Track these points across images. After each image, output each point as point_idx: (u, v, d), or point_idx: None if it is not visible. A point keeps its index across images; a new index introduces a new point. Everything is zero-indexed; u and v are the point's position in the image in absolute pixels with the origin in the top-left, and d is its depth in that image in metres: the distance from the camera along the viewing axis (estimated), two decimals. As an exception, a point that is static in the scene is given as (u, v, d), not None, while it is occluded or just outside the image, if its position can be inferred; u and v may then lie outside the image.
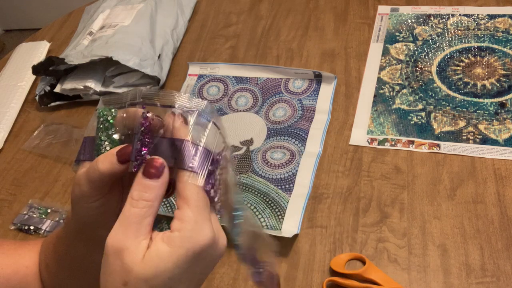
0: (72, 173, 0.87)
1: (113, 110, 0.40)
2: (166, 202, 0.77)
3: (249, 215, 0.42)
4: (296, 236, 0.70)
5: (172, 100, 0.38)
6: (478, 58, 0.90)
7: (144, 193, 0.35)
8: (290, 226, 0.70)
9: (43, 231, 0.77)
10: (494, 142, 0.76)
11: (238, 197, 0.40)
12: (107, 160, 0.38)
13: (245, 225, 0.41)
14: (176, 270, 0.33)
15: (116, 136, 0.40)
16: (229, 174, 0.40)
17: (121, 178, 0.43)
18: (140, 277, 0.33)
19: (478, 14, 0.99)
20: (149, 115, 0.38)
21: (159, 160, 0.36)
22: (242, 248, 0.40)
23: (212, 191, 0.37)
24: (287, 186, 0.76)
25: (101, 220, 0.43)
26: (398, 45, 0.97)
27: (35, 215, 0.79)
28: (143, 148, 0.37)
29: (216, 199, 0.38)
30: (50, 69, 0.99)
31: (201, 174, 0.36)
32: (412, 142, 0.79)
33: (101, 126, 0.40)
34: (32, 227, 0.78)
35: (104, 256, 0.35)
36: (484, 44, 0.93)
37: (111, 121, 0.40)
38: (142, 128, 0.37)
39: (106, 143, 0.40)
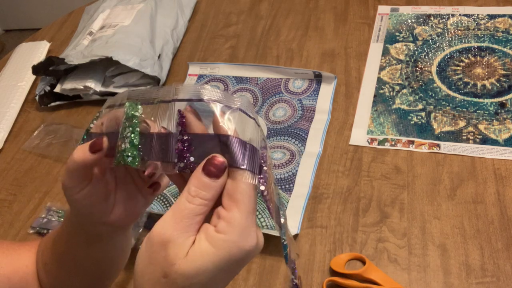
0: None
1: (139, 106, 0.39)
2: (162, 199, 0.78)
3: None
4: (296, 236, 0.70)
5: (208, 96, 0.36)
6: (478, 58, 0.90)
7: (202, 191, 0.34)
8: (290, 226, 0.70)
9: None
10: (494, 142, 0.76)
11: (279, 195, 0.39)
12: (81, 150, 0.40)
13: (286, 224, 0.40)
14: (217, 272, 0.33)
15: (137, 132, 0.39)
16: (271, 172, 0.38)
17: (105, 171, 0.44)
18: (181, 272, 0.33)
19: (478, 14, 0.99)
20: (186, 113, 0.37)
21: (220, 159, 0.35)
22: (288, 248, 0.40)
23: (266, 191, 0.36)
24: (287, 186, 0.76)
25: (94, 214, 0.44)
26: (398, 45, 0.97)
27: (53, 218, 0.78)
28: (184, 149, 0.36)
29: (267, 198, 0.36)
30: (50, 69, 0.99)
31: (255, 173, 0.35)
32: (412, 142, 0.79)
33: (126, 123, 0.39)
34: (51, 231, 0.78)
35: (147, 244, 0.34)
36: (484, 44, 0.93)
37: (137, 116, 0.39)
38: (180, 128, 0.36)
39: (132, 136, 0.39)
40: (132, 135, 0.38)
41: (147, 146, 0.38)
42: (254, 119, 0.37)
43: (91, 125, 0.44)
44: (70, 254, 0.50)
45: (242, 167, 0.34)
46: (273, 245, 0.70)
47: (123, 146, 0.38)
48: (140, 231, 0.72)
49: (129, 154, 0.37)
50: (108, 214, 0.45)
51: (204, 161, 0.35)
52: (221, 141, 0.35)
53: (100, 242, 0.48)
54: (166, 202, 0.77)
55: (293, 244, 0.40)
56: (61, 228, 0.50)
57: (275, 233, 0.70)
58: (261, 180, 0.35)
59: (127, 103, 0.39)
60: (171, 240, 0.33)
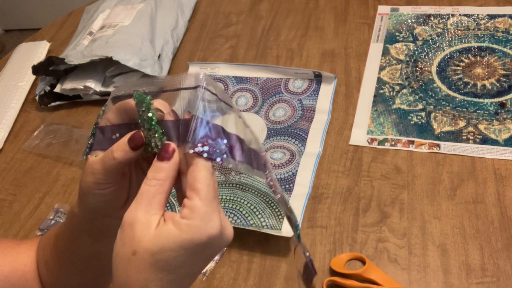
0: (72, 173, 0.87)
1: (148, 97, 0.41)
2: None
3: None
4: (296, 236, 0.70)
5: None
6: (478, 58, 0.90)
7: (156, 173, 0.38)
8: (289, 226, 0.70)
9: None
10: (494, 142, 0.76)
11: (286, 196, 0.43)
12: (120, 149, 0.41)
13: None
14: (181, 252, 0.36)
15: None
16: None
17: (130, 171, 0.45)
18: (147, 248, 0.35)
19: (478, 14, 0.99)
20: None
21: (171, 145, 0.39)
22: (305, 247, 0.42)
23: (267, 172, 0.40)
24: (287, 186, 0.76)
25: (110, 208, 0.45)
26: (398, 45, 0.97)
27: (61, 220, 0.78)
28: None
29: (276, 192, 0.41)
30: (50, 69, 0.99)
31: (195, 144, 0.38)
32: (412, 142, 0.79)
33: (144, 113, 0.40)
34: (51, 229, 0.77)
35: (119, 229, 0.37)
36: (484, 44, 0.93)
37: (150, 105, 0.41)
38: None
39: (156, 127, 0.40)
40: (156, 126, 0.40)
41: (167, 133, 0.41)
42: (231, 106, 0.41)
43: (99, 120, 0.45)
44: (73, 251, 0.50)
45: (188, 140, 0.37)
46: (273, 245, 0.70)
47: (151, 136, 0.40)
48: None
49: (159, 144, 0.39)
50: (121, 207, 0.45)
51: (159, 151, 0.39)
52: (181, 124, 0.39)
53: (107, 236, 0.48)
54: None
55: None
56: (64, 226, 0.50)
57: (275, 233, 0.70)
58: (211, 152, 0.38)
59: (137, 94, 0.40)
60: (136, 219, 0.36)
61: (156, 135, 0.39)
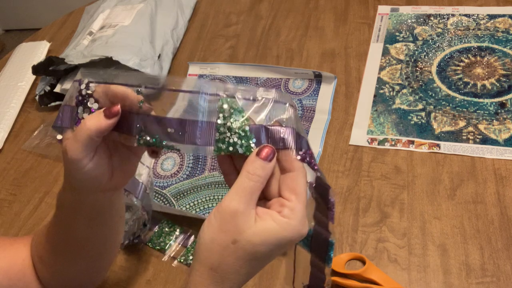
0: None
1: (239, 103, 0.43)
2: (162, 198, 0.78)
3: None
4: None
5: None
6: (478, 58, 0.90)
7: (258, 170, 0.40)
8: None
9: None
10: (494, 142, 0.76)
11: None
12: (94, 118, 0.42)
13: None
14: (276, 247, 0.40)
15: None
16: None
17: (107, 145, 0.46)
18: (249, 239, 0.39)
19: (478, 14, 0.99)
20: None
21: (271, 147, 0.41)
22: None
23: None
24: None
25: (95, 184, 0.46)
26: (398, 45, 0.97)
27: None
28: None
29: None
30: (50, 69, 0.99)
31: (315, 165, 0.42)
32: (412, 142, 0.79)
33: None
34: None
35: (217, 214, 0.40)
36: (484, 44, 0.93)
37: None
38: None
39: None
40: (250, 133, 0.42)
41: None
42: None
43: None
44: (68, 239, 0.51)
45: (292, 147, 0.41)
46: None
47: (241, 140, 0.42)
48: (147, 229, 0.73)
49: (244, 148, 0.42)
50: (109, 180, 0.46)
51: (257, 149, 0.41)
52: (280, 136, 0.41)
53: (101, 213, 0.50)
54: (165, 201, 0.78)
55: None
56: (55, 219, 0.51)
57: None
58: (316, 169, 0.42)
59: (226, 99, 0.42)
60: (239, 210, 0.39)
61: (249, 141, 0.41)
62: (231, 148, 0.41)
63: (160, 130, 0.42)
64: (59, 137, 0.45)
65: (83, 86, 0.44)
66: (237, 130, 0.41)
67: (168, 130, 0.42)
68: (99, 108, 0.44)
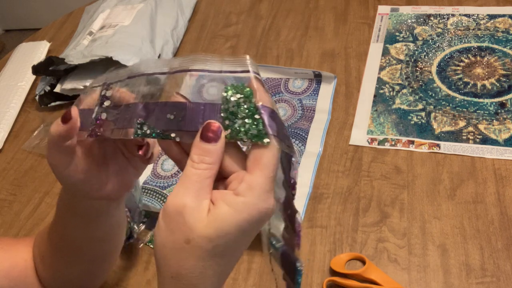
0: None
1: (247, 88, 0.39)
2: (161, 197, 0.77)
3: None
4: (296, 236, 0.70)
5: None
6: (478, 58, 0.90)
7: (205, 156, 0.35)
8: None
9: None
10: (494, 142, 0.76)
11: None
12: (55, 124, 0.41)
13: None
14: (238, 233, 0.34)
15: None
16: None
17: (100, 149, 0.45)
18: (203, 235, 0.34)
19: (478, 14, 0.99)
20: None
21: (215, 124, 0.36)
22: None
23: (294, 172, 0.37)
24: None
25: (89, 190, 0.45)
26: (398, 45, 0.97)
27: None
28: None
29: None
30: (50, 69, 0.99)
31: (281, 140, 0.36)
32: (412, 142, 0.79)
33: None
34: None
35: (163, 215, 0.35)
36: (484, 44, 0.93)
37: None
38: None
39: None
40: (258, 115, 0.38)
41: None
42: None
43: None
44: (67, 240, 0.51)
45: (270, 133, 0.35)
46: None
47: (248, 124, 0.37)
48: (141, 229, 0.72)
49: (254, 132, 0.36)
50: (103, 188, 0.46)
51: (200, 129, 0.36)
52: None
53: (97, 218, 0.49)
54: (164, 200, 0.77)
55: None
56: (55, 218, 0.51)
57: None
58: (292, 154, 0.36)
59: (234, 85, 0.38)
60: (186, 205, 0.34)
61: (257, 124, 0.36)
62: (241, 135, 0.36)
63: (160, 117, 0.38)
64: None
65: (103, 89, 0.43)
66: (245, 114, 0.36)
67: (167, 116, 0.37)
68: (113, 106, 0.42)
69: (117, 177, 0.46)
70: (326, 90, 0.89)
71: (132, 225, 0.71)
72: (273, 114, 0.36)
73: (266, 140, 0.35)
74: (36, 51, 1.13)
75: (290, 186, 0.38)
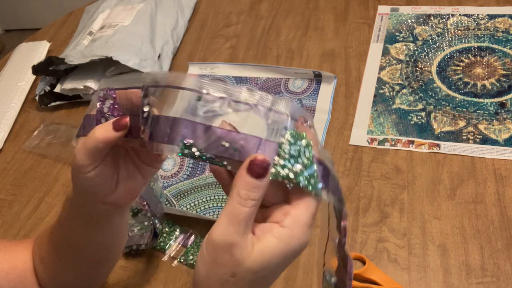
0: (72, 173, 0.87)
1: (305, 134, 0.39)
2: (165, 200, 0.77)
3: None
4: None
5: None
6: (478, 58, 0.90)
7: (252, 192, 0.35)
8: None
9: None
10: (494, 142, 0.76)
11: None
12: (102, 128, 0.41)
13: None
14: (281, 264, 0.36)
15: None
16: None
17: (115, 154, 0.45)
18: (250, 269, 0.35)
19: (478, 14, 0.99)
20: None
21: (267, 160, 0.35)
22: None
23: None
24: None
25: (99, 193, 0.45)
26: (398, 45, 0.97)
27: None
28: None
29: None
30: (50, 69, 0.99)
31: (333, 193, 0.38)
32: (412, 142, 0.79)
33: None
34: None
35: (208, 249, 0.36)
36: (484, 44, 0.93)
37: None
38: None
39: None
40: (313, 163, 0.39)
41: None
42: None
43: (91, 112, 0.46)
44: (69, 242, 0.51)
45: (322, 187, 0.37)
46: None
47: (300, 171, 0.38)
48: (177, 246, 0.73)
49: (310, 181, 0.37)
50: (111, 193, 0.46)
51: (246, 163, 0.35)
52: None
53: (100, 223, 0.49)
54: (166, 201, 0.77)
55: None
56: (59, 220, 0.51)
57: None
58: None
59: (294, 132, 0.38)
60: (235, 244, 0.35)
61: (315, 173, 0.37)
62: (291, 176, 0.36)
63: (212, 142, 0.37)
64: (74, 143, 0.45)
65: (101, 94, 0.43)
66: (301, 159, 0.36)
67: (222, 143, 0.36)
68: (118, 116, 0.43)
69: (125, 183, 0.47)
70: (326, 90, 0.89)
71: (155, 221, 0.70)
72: (326, 171, 0.38)
73: (319, 193, 0.37)
74: (36, 51, 1.13)
75: (341, 232, 0.39)
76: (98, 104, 0.44)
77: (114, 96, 0.43)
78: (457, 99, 0.84)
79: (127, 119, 0.41)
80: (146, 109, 0.40)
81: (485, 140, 0.77)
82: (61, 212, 0.51)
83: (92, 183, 0.44)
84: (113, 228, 0.52)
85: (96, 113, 0.44)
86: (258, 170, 0.35)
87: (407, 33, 0.99)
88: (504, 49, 0.91)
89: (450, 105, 0.83)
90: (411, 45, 0.96)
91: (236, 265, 0.35)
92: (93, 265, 0.55)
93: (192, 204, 0.77)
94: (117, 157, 0.46)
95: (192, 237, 0.73)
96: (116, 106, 0.43)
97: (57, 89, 0.99)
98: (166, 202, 0.78)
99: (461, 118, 0.81)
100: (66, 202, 0.50)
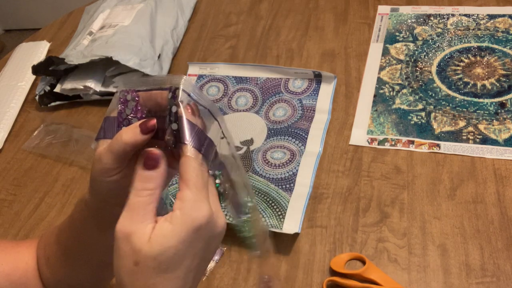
0: (72, 173, 0.87)
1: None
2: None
3: (258, 217, 0.46)
4: (296, 235, 0.70)
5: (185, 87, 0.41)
6: (478, 58, 0.90)
7: (146, 183, 0.38)
8: (291, 225, 0.70)
9: None
10: (494, 142, 0.76)
11: (246, 198, 0.43)
12: (130, 131, 0.41)
13: (256, 228, 0.44)
14: (180, 246, 0.36)
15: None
16: (239, 173, 0.43)
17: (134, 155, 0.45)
18: (148, 255, 0.36)
19: (478, 14, 0.99)
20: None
21: (156, 151, 0.39)
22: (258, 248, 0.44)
23: (211, 171, 0.41)
24: (287, 185, 0.76)
25: (119, 196, 0.45)
26: (398, 45, 0.97)
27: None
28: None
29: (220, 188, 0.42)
30: (50, 69, 0.99)
31: (201, 151, 0.39)
32: (412, 142, 0.79)
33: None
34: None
35: (115, 242, 0.38)
36: (484, 44, 0.93)
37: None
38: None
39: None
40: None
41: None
42: (217, 121, 0.42)
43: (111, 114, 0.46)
44: (79, 243, 0.51)
45: (186, 142, 0.38)
46: (274, 245, 0.70)
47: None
48: None
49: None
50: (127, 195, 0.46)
51: (141, 157, 0.39)
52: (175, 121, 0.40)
53: (113, 226, 0.49)
54: (171, 203, 0.77)
55: (264, 241, 0.45)
56: (70, 218, 0.51)
57: (277, 230, 0.70)
58: (211, 163, 0.40)
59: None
60: (132, 232, 0.37)
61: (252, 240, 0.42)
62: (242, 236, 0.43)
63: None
64: (93, 145, 0.45)
65: (122, 96, 0.43)
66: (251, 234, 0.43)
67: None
68: (141, 118, 0.43)
69: None
70: (326, 90, 0.89)
71: None
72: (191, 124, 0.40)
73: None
74: (36, 51, 1.13)
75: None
76: (119, 106, 0.44)
77: (137, 98, 0.43)
78: (457, 99, 0.84)
79: (154, 121, 0.41)
80: (174, 110, 0.41)
81: (485, 140, 0.77)
82: (72, 213, 0.50)
83: (115, 186, 0.44)
84: None
85: (117, 115, 0.44)
86: (148, 162, 0.39)
87: (407, 33, 0.99)
88: (504, 49, 0.91)
89: (450, 105, 0.83)
90: (411, 45, 0.96)
91: (136, 253, 0.36)
92: (101, 267, 0.54)
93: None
94: (136, 159, 0.46)
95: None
96: (139, 108, 0.43)
97: (57, 89, 0.99)
98: (170, 204, 0.78)
99: (461, 118, 0.81)
100: (79, 203, 0.49)
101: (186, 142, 0.39)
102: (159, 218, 0.38)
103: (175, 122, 0.40)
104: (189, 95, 0.41)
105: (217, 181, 0.43)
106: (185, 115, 0.39)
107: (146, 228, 0.37)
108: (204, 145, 0.40)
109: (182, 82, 0.41)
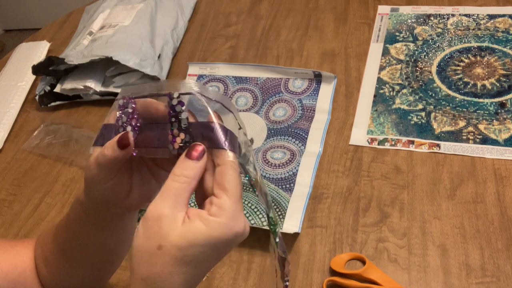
0: (72, 173, 0.87)
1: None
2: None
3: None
4: (296, 235, 0.70)
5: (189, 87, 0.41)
6: (478, 58, 0.90)
7: (185, 170, 0.39)
8: (291, 225, 0.70)
9: None
10: (494, 142, 0.76)
11: (264, 188, 0.44)
12: (110, 147, 0.42)
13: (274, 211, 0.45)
14: (207, 248, 0.37)
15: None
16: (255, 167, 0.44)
17: (130, 161, 0.45)
18: (175, 243, 0.37)
19: (478, 14, 0.99)
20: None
21: (200, 147, 0.40)
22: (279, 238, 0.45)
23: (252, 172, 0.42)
24: (287, 185, 0.76)
25: (114, 199, 0.46)
26: (398, 45, 0.97)
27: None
28: (181, 134, 0.41)
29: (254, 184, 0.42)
30: (50, 69, 0.99)
31: (236, 153, 0.40)
32: (412, 142, 0.79)
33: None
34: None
35: (142, 221, 0.38)
36: (484, 44, 0.93)
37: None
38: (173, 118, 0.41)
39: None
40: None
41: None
42: (232, 113, 0.42)
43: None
44: (76, 242, 0.51)
45: (224, 147, 0.39)
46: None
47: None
48: None
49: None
50: (125, 198, 0.46)
51: (187, 149, 0.40)
52: (208, 127, 0.40)
53: (110, 225, 0.50)
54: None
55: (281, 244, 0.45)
56: (66, 220, 0.51)
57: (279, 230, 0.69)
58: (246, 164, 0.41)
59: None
60: (162, 214, 0.37)
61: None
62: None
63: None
64: (91, 151, 0.46)
65: (121, 102, 0.44)
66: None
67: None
68: (135, 126, 0.43)
69: (140, 188, 0.47)
70: (326, 90, 0.89)
71: None
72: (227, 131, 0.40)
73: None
74: (36, 51, 1.13)
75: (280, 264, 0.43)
76: (118, 112, 0.44)
77: (133, 105, 0.43)
78: (457, 99, 0.84)
79: (130, 135, 0.42)
80: (184, 116, 0.41)
81: (485, 140, 0.77)
82: (68, 212, 0.51)
83: (106, 193, 0.44)
84: (123, 230, 0.51)
85: (115, 122, 0.44)
86: (193, 152, 0.39)
87: (407, 33, 0.99)
88: (504, 49, 0.91)
89: (450, 105, 0.83)
90: (411, 45, 0.96)
91: (163, 236, 0.37)
92: (97, 267, 0.55)
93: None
94: (131, 164, 0.46)
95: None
96: (135, 116, 0.43)
97: (57, 89, 0.99)
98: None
99: (461, 118, 0.81)
100: (75, 203, 0.49)
101: (225, 148, 0.39)
102: (191, 212, 0.38)
103: (183, 127, 0.40)
104: (201, 94, 0.41)
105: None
106: (215, 119, 0.40)
107: (177, 215, 0.37)
108: (235, 144, 0.40)
109: (193, 86, 0.41)
